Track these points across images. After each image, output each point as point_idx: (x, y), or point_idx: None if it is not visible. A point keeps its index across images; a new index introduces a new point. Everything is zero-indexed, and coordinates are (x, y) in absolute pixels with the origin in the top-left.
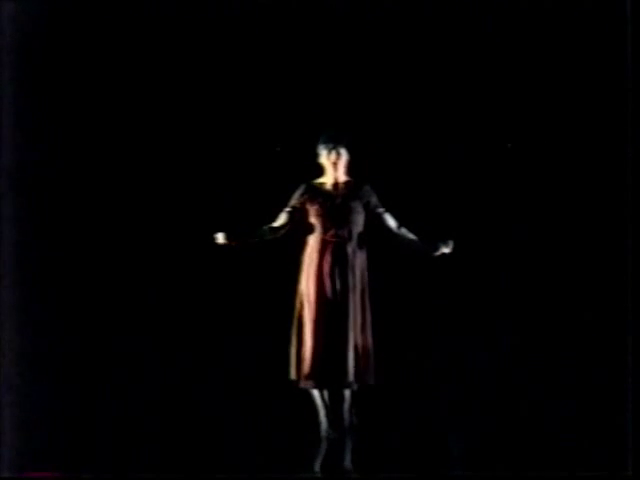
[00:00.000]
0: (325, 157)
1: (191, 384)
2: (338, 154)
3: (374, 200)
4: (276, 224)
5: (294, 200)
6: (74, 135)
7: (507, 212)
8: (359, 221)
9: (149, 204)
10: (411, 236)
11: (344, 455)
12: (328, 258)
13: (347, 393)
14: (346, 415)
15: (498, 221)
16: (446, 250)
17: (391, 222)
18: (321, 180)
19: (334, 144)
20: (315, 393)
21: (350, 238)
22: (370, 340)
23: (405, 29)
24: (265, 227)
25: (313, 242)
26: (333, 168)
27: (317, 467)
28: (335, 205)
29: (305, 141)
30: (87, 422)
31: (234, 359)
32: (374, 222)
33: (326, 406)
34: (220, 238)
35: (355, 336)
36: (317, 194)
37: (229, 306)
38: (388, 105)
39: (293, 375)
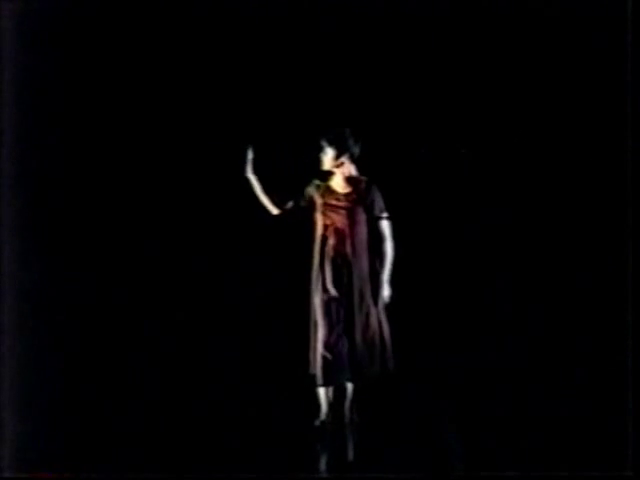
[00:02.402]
0: (330, 154)
1: (191, 384)
2: (342, 155)
3: (379, 202)
4: (285, 205)
5: (305, 191)
6: (75, 135)
7: (508, 211)
8: (362, 220)
9: (150, 204)
10: (387, 256)
11: (346, 454)
12: (329, 255)
13: (349, 390)
14: (347, 412)
15: (500, 220)
16: (384, 294)
17: (385, 231)
18: (331, 177)
19: (338, 146)
20: (321, 388)
21: (349, 235)
22: (377, 332)
23: (408, 30)
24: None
25: (316, 239)
26: (339, 168)
27: (322, 465)
28: (337, 202)
29: (312, 141)
30: (87, 422)
31: (234, 359)
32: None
33: (328, 400)
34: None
35: (360, 331)
36: (325, 190)
37: (232, 304)
38: (393, 104)
39: (312, 369)
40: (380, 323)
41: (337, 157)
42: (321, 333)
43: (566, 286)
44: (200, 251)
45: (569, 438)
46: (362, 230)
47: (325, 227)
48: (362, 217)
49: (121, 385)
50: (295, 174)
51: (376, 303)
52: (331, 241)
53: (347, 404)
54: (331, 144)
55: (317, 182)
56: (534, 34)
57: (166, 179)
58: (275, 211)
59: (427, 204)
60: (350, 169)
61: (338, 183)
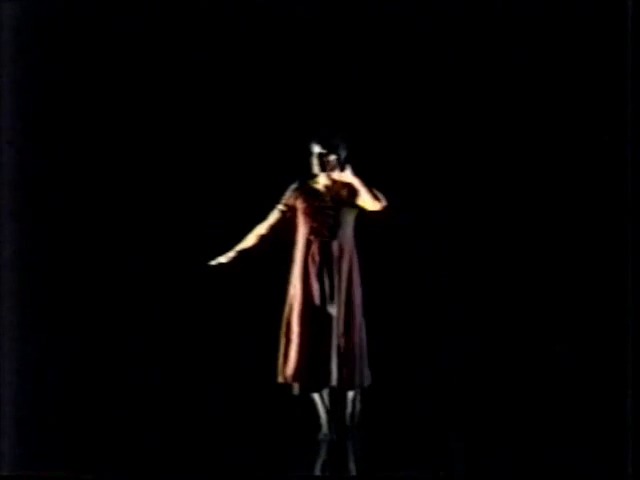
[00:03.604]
0: (316, 159)
1: (190, 386)
2: (329, 156)
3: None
4: (266, 224)
5: (285, 198)
6: (74, 135)
7: (507, 211)
8: (348, 221)
9: (147, 204)
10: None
11: (346, 454)
12: (313, 258)
13: (349, 394)
14: (348, 416)
15: (498, 220)
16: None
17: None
18: (314, 179)
19: (325, 146)
20: (315, 395)
21: (336, 237)
22: (357, 341)
23: (405, 30)
24: (255, 232)
25: (300, 242)
26: (325, 169)
27: (317, 470)
28: (323, 204)
29: (302, 140)
30: (87, 422)
31: (234, 361)
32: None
33: (326, 408)
34: (220, 259)
35: (339, 338)
36: (308, 193)
37: (225, 308)
38: (384, 104)
39: (280, 378)
40: (360, 333)
41: (325, 159)
42: (299, 340)
43: (566, 286)
44: (190, 253)
45: (569, 439)
46: (349, 231)
47: (310, 230)
48: (350, 218)
49: (121, 385)
50: (282, 178)
51: (354, 309)
52: (316, 244)
53: (349, 409)
54: (315, 147)
55: (296, 186)
56: (533, 34)
57: (163, 178)
58: (263, 230)
59: (423, 205)
60: (337, 170)
61: (324, 185)
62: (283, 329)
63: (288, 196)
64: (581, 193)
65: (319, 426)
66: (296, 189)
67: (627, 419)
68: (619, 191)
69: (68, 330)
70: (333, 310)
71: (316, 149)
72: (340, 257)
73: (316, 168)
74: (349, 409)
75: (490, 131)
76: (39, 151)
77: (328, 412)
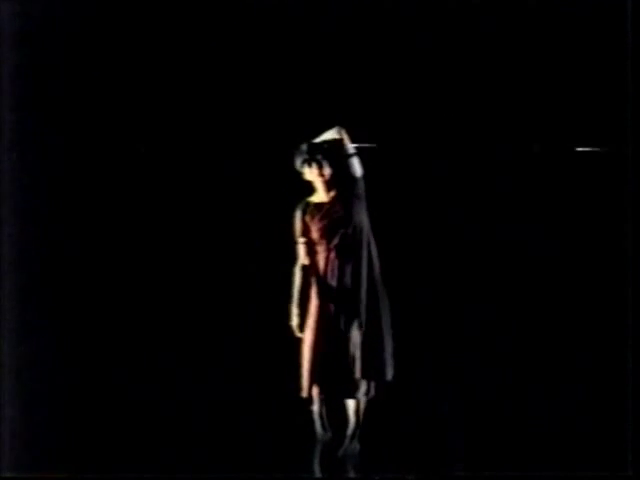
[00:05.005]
0: (308, 173)
1: (191, 387)
2: (319, 165)
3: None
4: (302, 260)
5: (299, 229)
6: (74, 135)
7: (508, 211)
8: (361, 214)
9: (148, 204)
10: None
11: (346, 457)
12: (334, 265)
13: (352, 402)
14: (351, 418)
15: (500, 222)
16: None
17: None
18: (313, 196)
19: (309, 156)
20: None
21: (353, 240)
22: (379, 337)
23: (403, 29)
24: (300, 273)
25: (319, 259)
26: (321, 179)
27: (316, 471)
28: (333, 214)
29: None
30: (87, 422)
31: (234, 363)
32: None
33: (321, 414)
34: (295, 321)
35: (357, 338)
36: (314, 210)
37: (229, 312)
38: (380, 109)
39: (304, 393)
40: (382, 329)
41: (312, 172)
42: (315, 347)
43: (566, 287)
44: (196, 256)
45: (569, 438)
46: (365, 222)
47: (327, 243)
48: (361, 210)
49: (121, 386)
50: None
51: (376, 306)
52: (334, 255)
53: (351, 412)
54: (300, 161)
55: (301, 213)
56: (534, 34)
57: (163, 179)
58: (304, 264)
59: (422, 206)
60: (328, 172)
61: (322, 191)
62: (303, 342)
63: (299, 225)
64: (582, 193)
65: (318, 427)
66: (302, 215)
67: (628, 419)
68: (619, 189)
69: (69, 330)
70: (359, 310)
71: (302, 164)
72: (360, 259)
73: (316, 181)
74: (352, 415)
75: (489, 130)
76: (39, 150)
77: (322, 410)
